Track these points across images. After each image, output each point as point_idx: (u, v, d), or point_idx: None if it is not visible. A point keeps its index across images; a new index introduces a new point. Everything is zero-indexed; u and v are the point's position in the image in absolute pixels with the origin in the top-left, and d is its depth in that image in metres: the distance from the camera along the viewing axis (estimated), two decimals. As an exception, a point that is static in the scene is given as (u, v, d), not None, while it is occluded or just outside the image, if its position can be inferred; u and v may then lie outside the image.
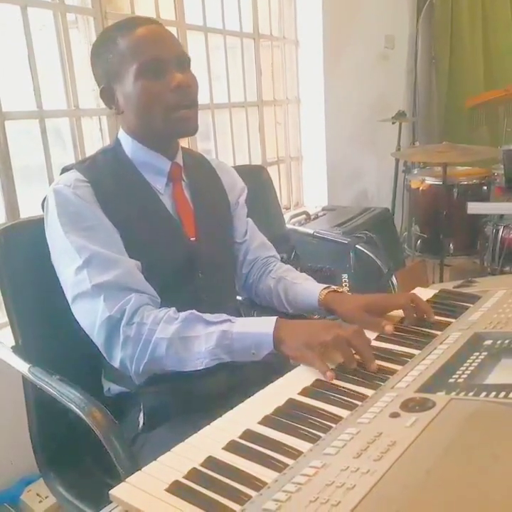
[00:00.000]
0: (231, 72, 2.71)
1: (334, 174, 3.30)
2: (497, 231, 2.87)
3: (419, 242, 3.06)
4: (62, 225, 1.03)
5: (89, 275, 1.00)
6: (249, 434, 0.71)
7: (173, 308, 1.02)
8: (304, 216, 2.68)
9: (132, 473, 0.82)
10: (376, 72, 3.70)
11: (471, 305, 1.09)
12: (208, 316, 1.00)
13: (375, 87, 3.67)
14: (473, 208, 2.71)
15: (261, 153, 2.94)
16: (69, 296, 1.04)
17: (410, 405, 0.71)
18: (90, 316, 1.01)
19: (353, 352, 0.88)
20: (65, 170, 1.14)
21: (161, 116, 1.08)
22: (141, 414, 1.06)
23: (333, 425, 0.71)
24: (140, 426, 1.06)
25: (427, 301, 1.14)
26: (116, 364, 1.01)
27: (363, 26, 3.48)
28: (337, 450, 0.64)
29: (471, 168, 3.17)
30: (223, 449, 0.69)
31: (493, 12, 4.03)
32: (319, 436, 0.69)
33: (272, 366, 1.17)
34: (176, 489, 0.62)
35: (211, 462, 0.66)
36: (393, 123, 3.30)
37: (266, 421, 0.74)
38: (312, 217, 2.69)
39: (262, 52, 2.93)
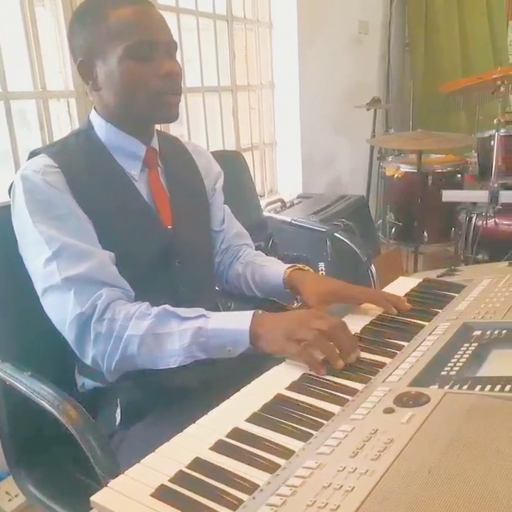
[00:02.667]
0: (204, 55, 2.64)
1: (309, 161, 3.27)
2: (470, 219, 2.88)
3: (393, 229, 3.06)
4: (30, 213, 0.98)
5: (59, 268, 0.95)
6: (237, 433, 0.68)
7: (146, 303, 0.98)
8: (279, 204, 2.64)
9: (111, 474, 0.79)
10: (350, 58, 3.67)
11: (457, 294, 1.07)
12: (182, 311, 0.96)
13: (349, 73, 3.64)
14: (448, 195, 2.72)
15: (235, 139, 2.89)
16: (38, 289, 0.98)
17: (404, 400, 0.68)
18: (61, 311, 0.96)
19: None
20: (33, 154, 1.07)
21: (145, 100, 1.03)
22: (118, 410, 1.02)
23: (325, 422, 0.68)
24: (117, 422, 1.02)
25: (412, 290, 1.12)
26: (88, 361, 0.97)
27: (337, 11, 3.44)
28: (331, 449, 0.61)
29: (445, 156, 3.18)
30: (210, 449, 0.65)
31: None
32: (311, 434, 0.66)
33: (251, 358, 1.14)
34: (162, 494, 0.58)
35: (199, 464, 0.62)
36: (368, 109, 3.28)
37: (254, 418, 0.71)
38: (288, 204, 2.66)
39: (236, 35, 2.87)
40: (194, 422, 0.73)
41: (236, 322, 0.93)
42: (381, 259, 2.46)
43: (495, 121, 2.66)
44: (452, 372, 0.75)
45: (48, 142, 1.87)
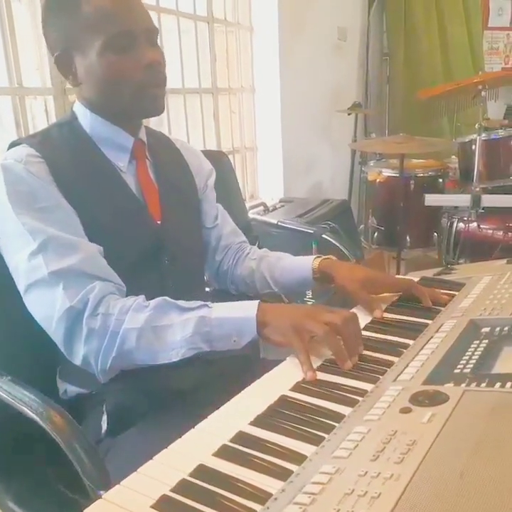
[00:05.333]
0: (184, 57, 2.59)
1: (290, 166, 3.24)
2: (451, 223, 2.87)
3: (376, 234, 3.04)
4: (12, 205, 0.91)
5: (46, 261, 0.88)
6: (242, 437, 0.63)
7: (142, 296, 0.91)
8: (261, 207, 2.60)
9: (101, 485, 0.73)
10: (330, 64, 3.66)
11: (457, 292, 1.04)
12: (182, 303, 0.90)
13: (329, 78, 3.63)
14: (431, 199, 2.72)
15: (216, 143, 2.84)
16: (21, 286, 0.91)
17: (421, 399, 0.64)
18: (47, 307, 0.88)
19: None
20: (13, 145, 1.01)
21: (129, 94, 0.98)
22: (105, 417, 0.95)
23: (336, 424, 0.63)
24: (103, 430, 0.95)
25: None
26: (77, 361, 0.89)
27: (317, 17, 3.43)
28: (349, 452, 0.56)
29: (426, 161, 3.18)
30: (214, 455, 0.60)
31: (448, 7, 4.07)
32: (322, 437, 0.61)
33: (246, 359, 1.09)
34: (164, 505, 0.52)
35: (202, 471, 0.57)
36: (349, 114, 3.26)
37: (259, 421, 0.66)
38: (270, 208, 2.61)
39: (217, 38, 2.83)
40: (188, 428, 0.67)
41: (241, 310, 0.88)
42: (365, 263, 2.43)
43: (476, 125, 2.67)
44: (466, 370, 0.71)
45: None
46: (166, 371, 0.92)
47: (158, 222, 1.05)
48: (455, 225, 2.86)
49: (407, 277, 1.08)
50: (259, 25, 3.11)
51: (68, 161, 0.98)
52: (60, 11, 0.98)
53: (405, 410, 0.62)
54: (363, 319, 0.93)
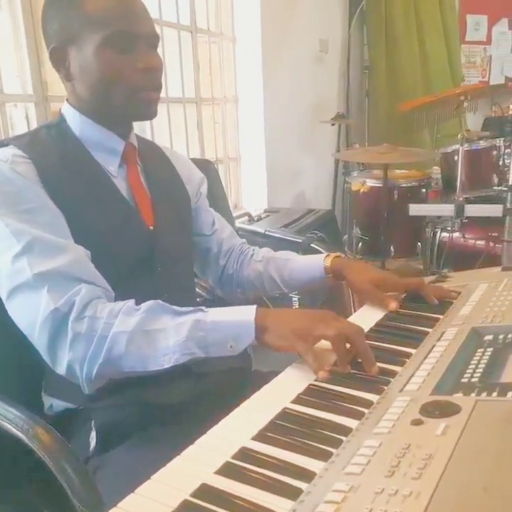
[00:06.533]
0: (168, 66, 2.56)
1: (273, 176, 3.22)
2: (435, 233, 2.88)
3: (360, 244, 3.03)
4: None
5: (30, 263, 0.83)
6: (245, 454, 0.59)
7: (132, 300, 0.87)
8: (246, 218, 2.57)
9: (92, 507, 0.69)
10: (312, 75, 3.67)
11: (454, 300, 1.02)
12: (176, 307, 0.86)
13: (311, 88, 3.64)
14: (415, 209, 2.72)
15: (200, 152, 2.81)
16: (4, 291, 0.86)
17: (431, 410, 0.61)
18: (30, 311, 0.83)
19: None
20: None
21: (123, 95, 0.95)
22: (93, 434, 0.91)
23: (343, 438, 0.60)
24: (91, 447, 0.90)
25: (406, 296, 1.07)
26: (62, 370, 0.83)
27: (299, 28, 3.44)
28: (361, 468, 0.53)
29: (409, 171, 3.19)
30: (217, 473, 0.56)
31: (427, 21, 4.13)
32: (331, 452, 0.58)
33: (238, 372, 1.06)
34: (167, 529, 0.49)
35: (205, 491, 0.53)
36: (333, 125, 3.27)
37: (262, 436, 0.62)
38: (255, 218, 2.59)
39: (200, 48, 2.81)
40: (181, 444, 0.63)
41: (238, 314, 0.84)
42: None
43: (459, 136, 2.69)
44: (474, 379, 0.68)
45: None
46: (156, 385, 0.88)
47: (151, 227, 1.02)
48: (438, 234, 2.87)
49: (420, 278, 1.10)
50: (242, 36, 3.11)
51: (56, 163, 0.95)
52: (63, 4, 0.95)
53: (417, 422, 0.59)
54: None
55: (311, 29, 3.62)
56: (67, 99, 1.02)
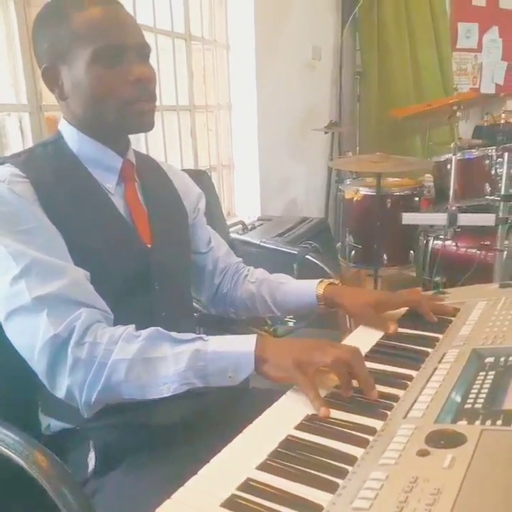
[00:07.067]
0: (162, 74, 2.55)
1: (266, 183, 3.22)
2: (427, 242, 2.89)
3: (353, 252, 3.03)
4: None
5: (29, 286, 0.83)
6: (250, 485, 0.59)
7: (133, 326, 0.86)
8: (240, 226, 2.57)
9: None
10: (304, 82, 3.67)
11: (453, 318, 1.02)
12: (175, 334, 0.86)
13: (304, 96, 3.64)
14: (408, 218, 2.72)
15: (193, 160, 2.80)
16: (1, 313, 0.85)
17: (437, 439, 0.61)
18: (29, 335, 0.83)
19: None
20: None
21: (116, 109, 0.94)
22: (92, 454, 0.90)
23: (349, 468, 0.60)
24: (90, 468, 0.89)
25: (404, 314, 1.07)
26: (61, 394, 0.83)
27: (292, 35, 3.44)
28: (370, 503, 0.52)
29: (401, 180, 3.20)
30: (223, 506, 0.56)
31: (419, 28, 4.14)
32: (336, 484, 0.57)
33: (235, 390, 1.05)
34: None
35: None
36: (326, 133, 3.27)
37: (267, 466, 0.62)
38: (249, 227, 2.59)
39: (194, 55, 2.80)
40: (182, 467, 0.64)
41: (238, 344, 0.83)
42: (344, 282, 2.41)
43: (452, 145, 2.70)
44: (477, 406, 0.68)
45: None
46: (154, 406, 0.88)
47: (149, 245, 1.01)
48: (431, 243, 2.88)
49: (414, 294, 1.10)
50: (236, 43, 3.10)
51: (54, 181, 0.94)
52: (50, 23, 0.95)
53: (423, 453, 0.59)
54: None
55: (303, 36, 3.62)
56: (63, 117, 1.01)
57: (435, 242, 2.86)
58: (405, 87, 4.05)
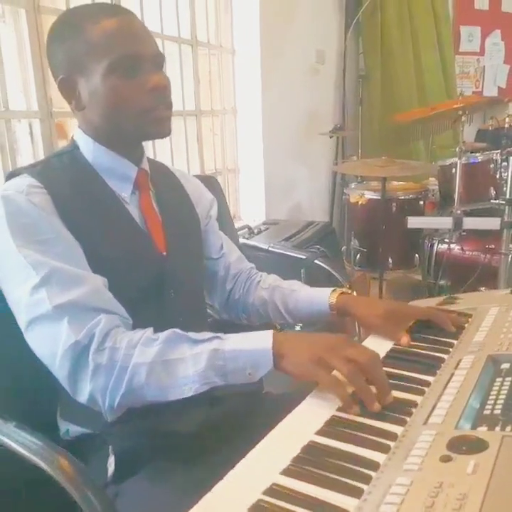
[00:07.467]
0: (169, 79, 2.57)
1: (271, 187, 3.24)
2: (432, 245, 2.91)
3: (358, 256, 3.05)
4: (13, 237, 0.87)
5: (49, 294, 0.84)
6: (276, 490, 0.60)
7: (150, 329, 0.88)
8: (246, 230, 2.58)
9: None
10: (308, 86, 3.69)
11: (466, 324, 1.03)
12: (193, 334, 0.87)
13: (308, 100, 3.66)
14: (413, 222, 2.73)
15: (199, 165, 2.82)
16: (22, 321, 0.87)
17: (459, 446, 0.62)
18: (51, 343, 0.84)
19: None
20: (11, 175, 0.97)
21: (134, 118, 0.96)
22: (111, 459, 0.91)
23: (373, 473, 0.61)
24: (109, 473, 0.91)
25: (415, 322, 1.07)
26: (83, 399, 0.85)
27: (297, 39, 3.46)
28: (396, 508, 0.54)
29: (406, 183, 3.22)
30: (250, 511, 0.57)
31: (422, 32, 4.17)
32: (361, 489, 0.58)
33: (249, 396, 1.06)
34: None
35: (242, 531, 0.54)
36: (331, 137, 3.29)
37: (291, 471, 0.63)
38: (255, 231, 2.60)
39: (200, 60, 2.82)
40: (202, 474, 0.66)
41: (255, 342, 0.84)
42: (352, 286, 2.42)
43: (457, 149, 2.71)
44: (496, 411, 0.69)
45: (11, 167, 1.75)
46: (172, 412, 0.89)
47: (164, 253, 1.03)
48: (436, 246, 2.89)
49: (425, 306, 1.09)
50: (241, 48, 3.12)
51: (71, 191, 0.95)
52: (66, 35, 0.96)
53: (445, 459, 0.60)
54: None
55: (307, 40, 3.64)
56: (79, 127, 1.02)
57: (440, 245, 2.87)
58: (408, 91, 4.07)
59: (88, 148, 1.01)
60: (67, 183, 0.96)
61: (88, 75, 0.94)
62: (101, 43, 0.93)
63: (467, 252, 2.81)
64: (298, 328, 2.12)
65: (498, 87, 5.24)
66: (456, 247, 2.81)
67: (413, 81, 4.11)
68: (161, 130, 1.00)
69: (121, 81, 0.93)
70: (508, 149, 2.87)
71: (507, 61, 5.17)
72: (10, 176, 0.97)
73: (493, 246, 2.66)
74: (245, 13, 3.06)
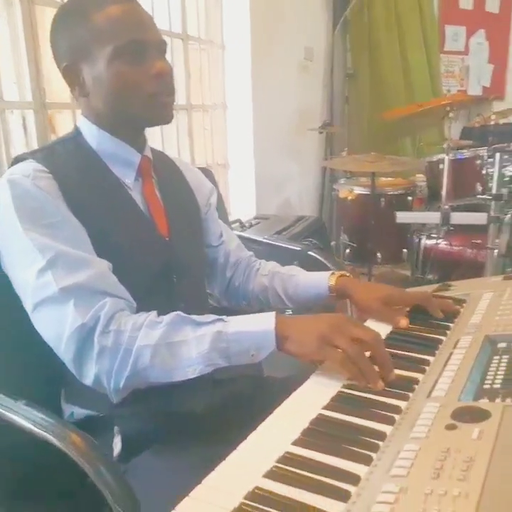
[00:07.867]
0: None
1: (261, 182, 3.26)
2: (420, 240, 2.95)
3: (347, 251, 3.08)
4: (20, 221, 0.88)
5: (55, 277, 0.85)
6: (290, 458, 0.62)
7: (154, 312, 0.89)
8: (237, 224, 2.60)
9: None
10: (298, 83, 3.72)
11: (461, 308, 1.06)
12: (196, 317, 0.88)
13: (297, 97, 3.69)
14: (402, 217, 2.78)
15: (190, 159, 2.83)
16: (29, 304, 0.88)
17: (462, 415, 0.65)
18: (57, 325, 0.85)
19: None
20: (17, 160, 0.98)
21: (139, 103, 0.97)
22: (117, 440, 0.93)
23: (380, 442, 0.63)
24: (116, 452, 0.92)
25: (411, 308, 1.09)
26: (89, 381, 0.86)
27: (286, 36, 3.49)
28: (406, 471, 0.56)
29: (394, 179, 3.26)
30: (265, 477, 0.59)
31: (408, 30, 4.21)
32: (371, 457, 0.61)
33: (251, 379, 1.09)
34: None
35: (259, 494, 0.56)
36: (320, 133, 3.32)
37: (302, 441, 0.65)
38: (246, 225, 2.62)
39: (190, 55, 2.83)
40: (207, 452, 0.67)
41: (258, 323, 0.86)
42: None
43: (445, 145, 2.76)
44: (496, 386, 0.72)
45: (5, 158, 1.75)
46: (176, 394, 0.91)
47: (167, 238, 1.04)
48: (424, 241, 2.93)
49: (421, 290, 1.11)
50: (231, 44, 3.14)
51: (75, 176, 0.96)
52: (69, 22, 0.97)
53: (451, 427, 0.63)
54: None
55: (296, 37, 3.67)
56: (82, 114, 1.04)
57: (428, 240, 2.91)
58: (396, 89, 4.11)
59: (92, 134, 1.02)
60: (72, 168, 0.97)
61: (93, 61, 0.95)
62: (106, 28, 0.94)
63: (454, 247, 2.86)
64: (289, 312, 2.15)
65: (483, 86, 5.31)
66: (443, 242, 2.86)
67: (400, 78, 4.15)
68: (165, 115, 1.01)
69: (127, 66, 0.95)
70: (495, 146, 2.93)
71: (491, 60, 5.23)
72: (15, 160, 0.98)
73: (479, 241, 2.71)
74: (235, 9, 3.08)
